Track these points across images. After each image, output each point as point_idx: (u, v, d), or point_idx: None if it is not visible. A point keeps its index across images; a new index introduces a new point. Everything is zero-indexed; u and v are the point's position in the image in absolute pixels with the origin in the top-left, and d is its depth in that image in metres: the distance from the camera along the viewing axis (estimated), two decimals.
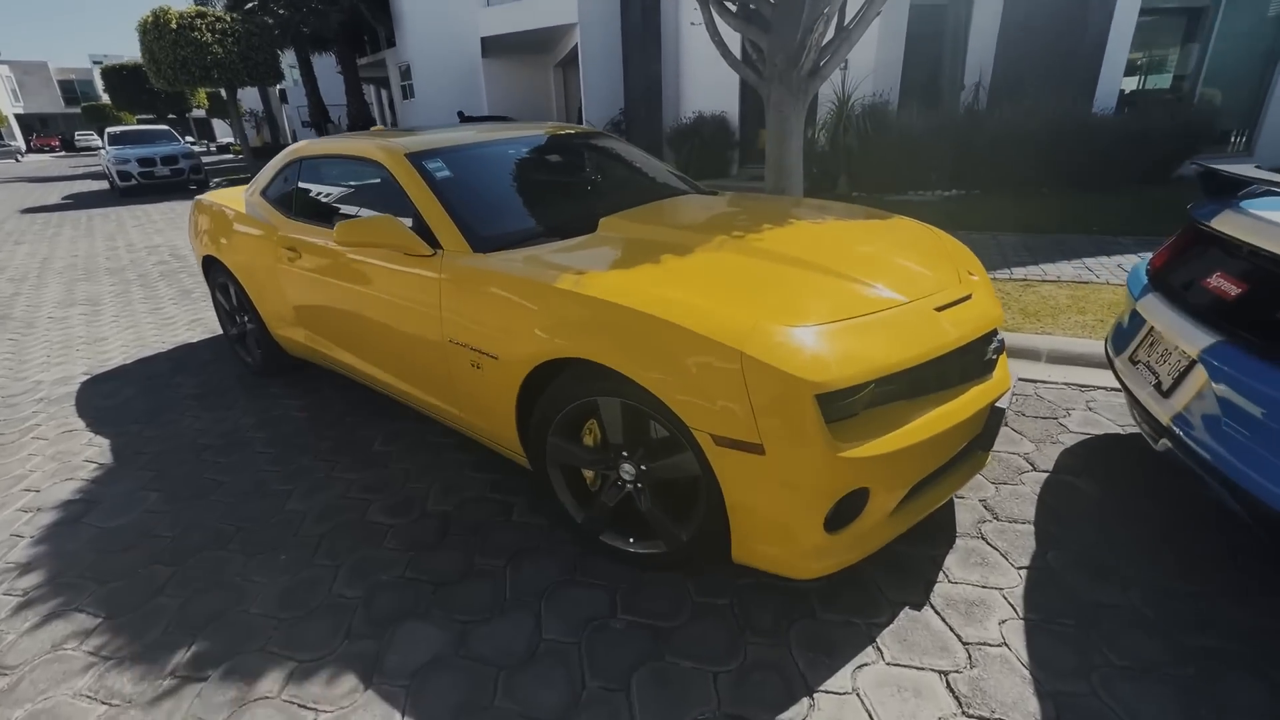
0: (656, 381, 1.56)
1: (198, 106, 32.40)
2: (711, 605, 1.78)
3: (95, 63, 52.60)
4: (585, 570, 1.94)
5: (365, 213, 2.57)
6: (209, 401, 3.29)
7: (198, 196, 3.79)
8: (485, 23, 14.16)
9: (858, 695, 1.50)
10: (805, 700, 1.49)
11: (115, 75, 25.90)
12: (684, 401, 1.54)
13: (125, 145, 14.07)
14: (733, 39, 4.55)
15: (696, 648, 1.65)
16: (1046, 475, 2.30)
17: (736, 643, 1.66)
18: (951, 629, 1.67)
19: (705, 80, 10.75)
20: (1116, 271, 4.23)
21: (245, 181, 14.00)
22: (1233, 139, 8.68)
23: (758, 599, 1.79)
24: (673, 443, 1.68)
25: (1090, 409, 2.73)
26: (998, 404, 1.79)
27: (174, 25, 12.98)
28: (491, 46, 14.95)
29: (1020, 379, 3.00)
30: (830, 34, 4.00)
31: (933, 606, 1.74)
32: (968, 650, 1.60)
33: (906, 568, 1.88)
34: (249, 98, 27.46)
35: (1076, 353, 3.10)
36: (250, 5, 15.45)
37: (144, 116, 29.03)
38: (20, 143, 43.89)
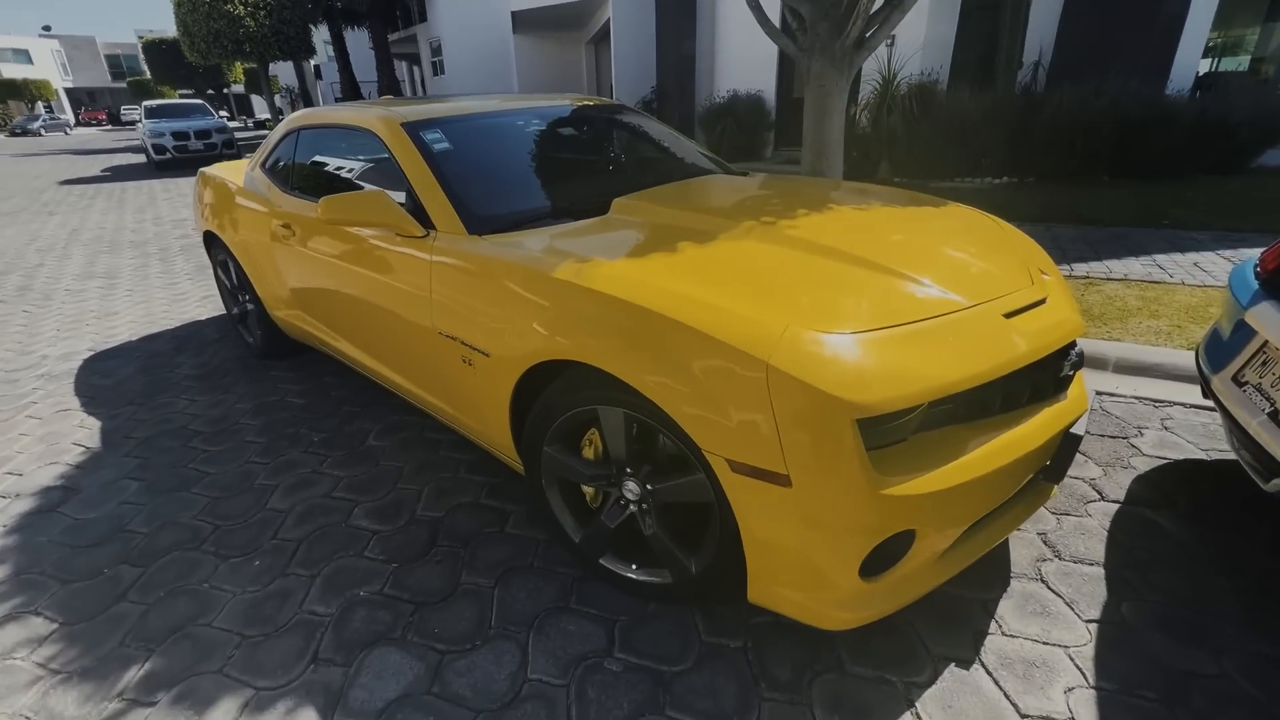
0: (663, 394, 1.32)
1: (235, 81, 32.79)
2: (723, 648, 1.55)
3: (140, 37, 53.80)
4: (582, 597, 1.72)
5: (368, 187, 2.36)
6: (207, 384, 3.16)
7: (202, 169, 3.64)
8: None
9: None
10: None
11: (155, 49, 26.33)
12: (696, 419, 1.29)
13: (161, 119, 14.24)
14: (771, 6, 4.19)
15: (703, 700, 1.42)
16: (1118, 506, 1.99)
17: (749, 697, 1.42)
18: (1006, 695, 1.40)
19: (741, 57, 10.30)
20: (1193, 270, 3.81)
21: None
22: None
23: (776, 644, 1.55)
24: (683, 461, 1.44)
25: (1166, 428, 2.39)
26: (1073, 430, 1.50)
27: None
28: (522, 22, 14.64)
29: None
30: (879, 1, 3.64)
31: (984, 665, 1.48)
32: None
33: (952, 614, 1.62)
34: (284, 73, 27.67)
35: (1150, 362, 2.75)
36: None
37: (184, 91, 29.53)
38: (69, 116, 45.23)
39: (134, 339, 3.83)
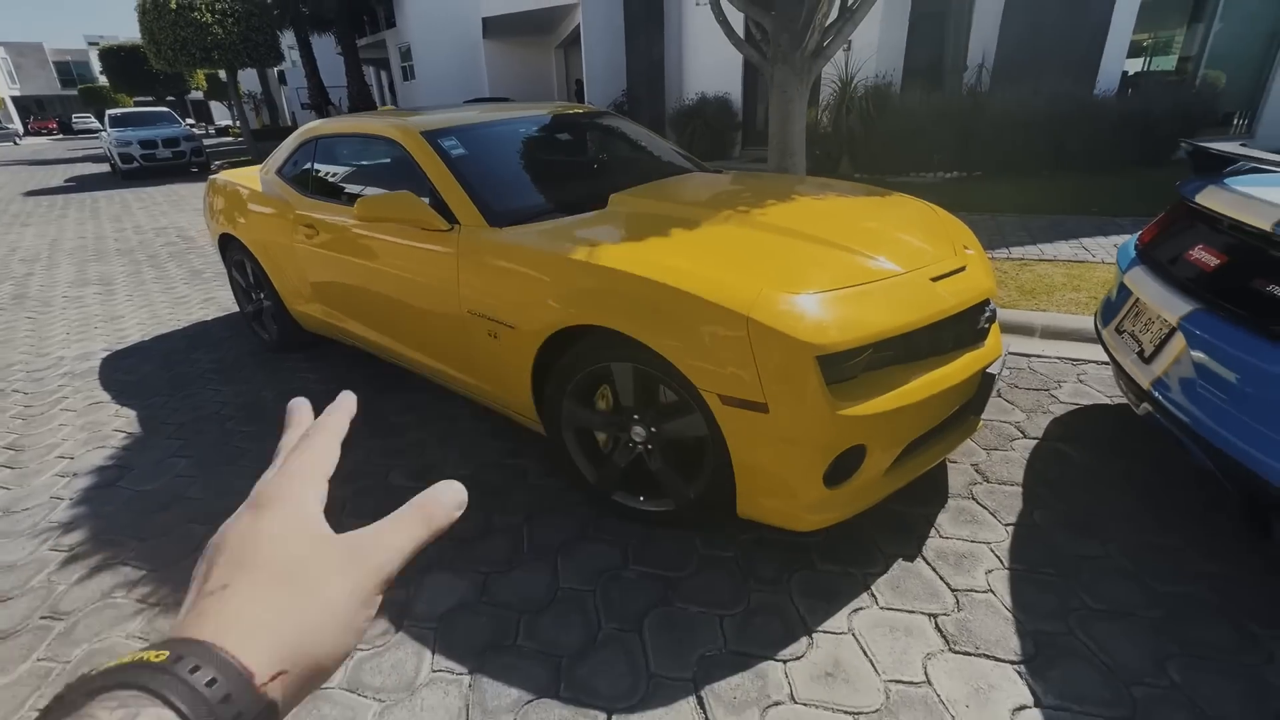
0: (668, 346, 1.67)
1: (196, 88, 32.14)
2: (717, 557, 1.90)
3: (91, 44, 52.07)
4: (598, 528, 2.06)
5: (374, 190, 2.65)
6: (228, 375, 3.40)
7: (212, 176, 3.87)
8: (487, 3, 14.06)
9: (853, 635, 1.62)
10: (805, 639, 1.61)
11: (113, 56, 25.68)
12: (693, 364, 1.64)
13: (127, 127, 14.05)
14: (737, 19, 4.58)
15: (704, 595, 1.77)
16: (1036, 442, 2.41)
17: (741, 590, 1.78)
18: (941, 577, 1.79)
19: (708, 61, 10.71)
20: (1112, 251, 4.31)
21: (246, 163, 13.98)
22: (1235, 121, 8.69)
23: (761, 552, 1.91)
24: (682, 404, 1.79)
25: (1081, 381, 2.83)
26: (989, 370, 1.89)
27: (174, 6, 12.89)
28: (493, 27, 14.85)
29: (1015, 353, 3.10)
30: (834, 14, 4.05)
31: (924, 559, 1.86)
32: (956, 596, 1.72)
33: (902, 525, 2.00)
34: (247, 79, 27.24)
35: (1070, 328, 3.19)
36: None
37: (141, 98, 28.83)
38: (18, 126, 43.61)
39: (146, 339, 4.03)
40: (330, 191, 2.95)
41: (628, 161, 3.14)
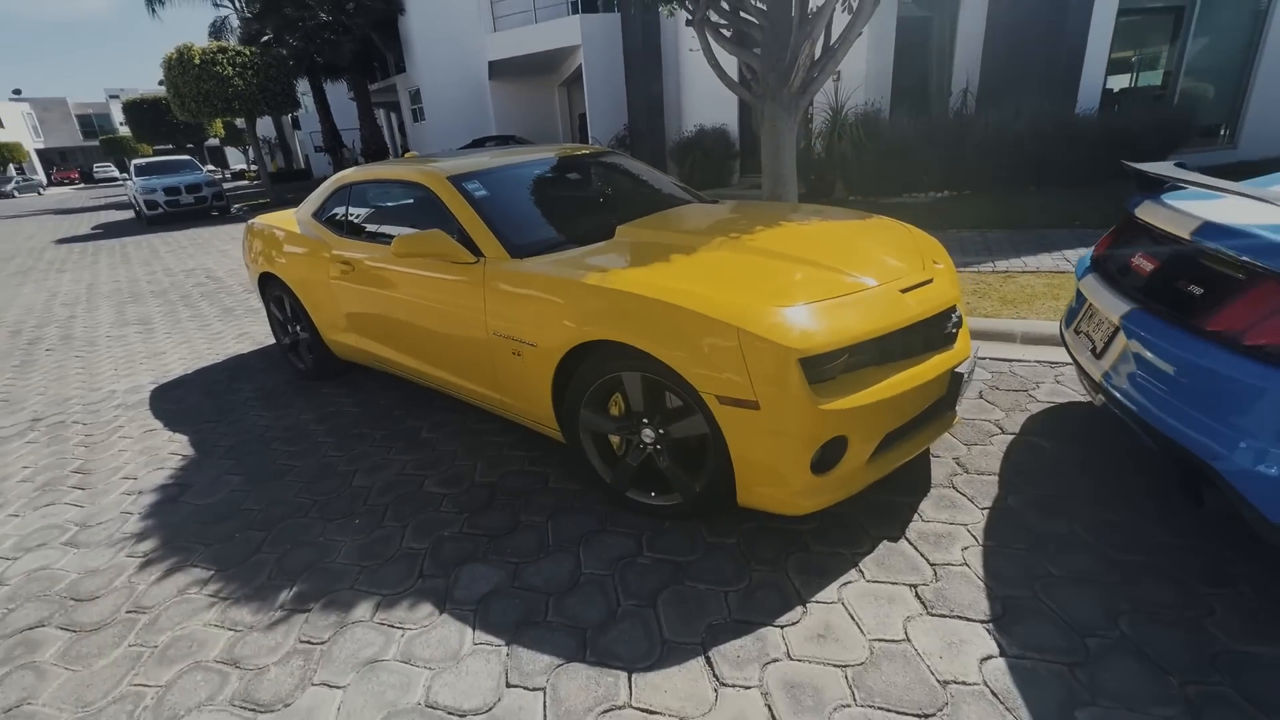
0: (672, 356, 1.93)
1: (213, 136, 33.37)
2: (721, 544, 2.13)
3: (112, 97, 54.23)
4: (615, 522, 2.30)
5: (406, 230, 2.96)
6: (269, 402, 3.69)
7: (250, 221, 4.22)
8: (493, 47, 14.73)
9: (842, 604, 1.83)
10: (799, 608, 1.83)
11: (136, 109, 26.85)
12: (694, 370, 1.90)
13: (151, 175, 14.74)
14: (728, 61, 4.94)
15: (710, 575, 1.99)
16: (1013, 437, 2.63)
17: (743, 570, 2.00)
18: (922, 554, 2.00)
19: (705, 95, 11.18)
20: None
21: (264, 205, 14.55)
22: (1221, 133, 8.97)
23: (761, 539, 2.14)
24: (685, 407, 2.03)
25: (1058, 382, 3.05)
26: (958, 369, 2.13)
27: (197, 61, 13.64)
28: (498, 69, 15.52)
29: (997, 358, 3.33)
30: (818, 52, 4.39)
31: (907, 539, 2.08)
32: (934, 569, 1.93)
33: (887, 512, 2.22)
34: (262, 125, 28.27)
35: (1048, 334, 3.43)
36: (266, 39, 16.14)
37: (161, 147, 30.01)
38: (41, 176, 45.24)
39: (188, 372, 4.34)
40: (363, 232, 3.27)
41: (631, 196, 3.45)
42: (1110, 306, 2.09)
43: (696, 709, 1.55)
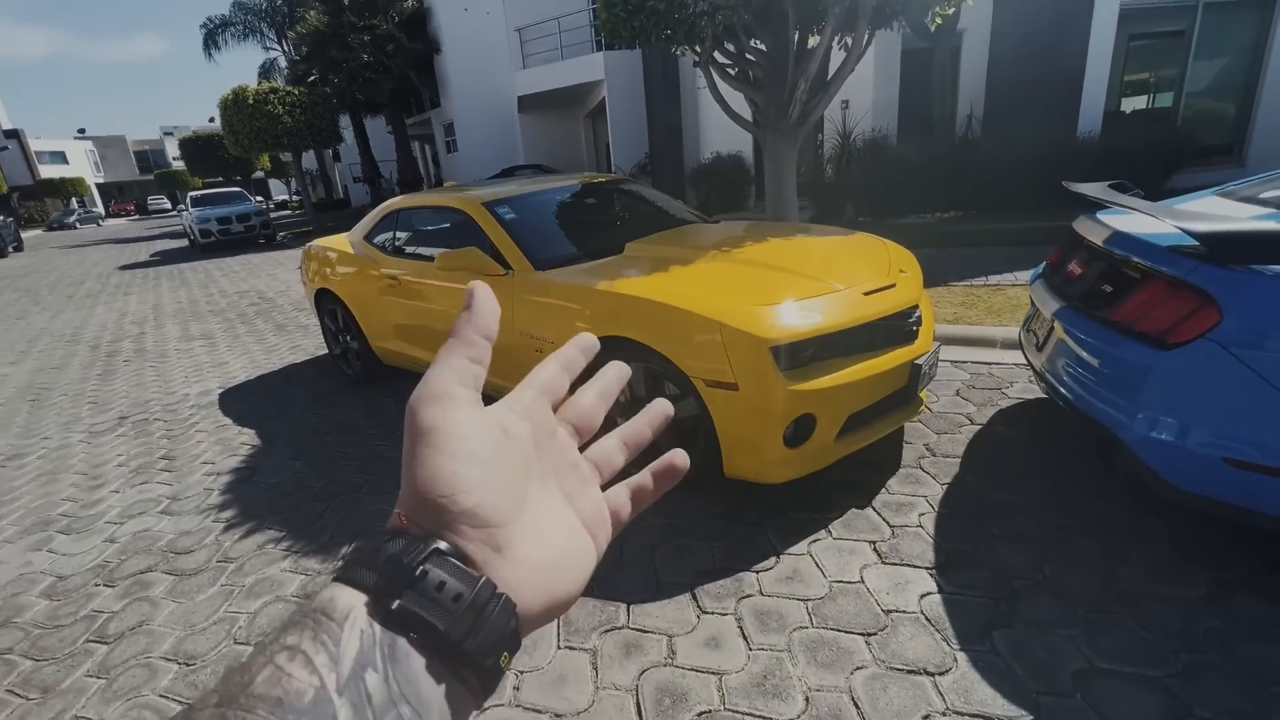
0: (668, 348, 2.31)
1: (260, 169, 35.29)
2: (710, 511, 2.48)
3: (166, 134, 57.69)
4: None
5: (445, 249, 3.42)
6: (323, 402, 4.16)
7: (307, 245, 4.77)
8: (522, 82, 15.58)
9: (810, 555, 2.17)
10: (773, 558, 2.17)
11: (191, 145, 28.68)
12: (686, 360, 2.28)
13: (206, 206, 15.82)
14: (734, 95, 5.40)
15: (698, 533, 2.34)
16: (980, 427, 2.94)
17: (729, 530, 2.35)
18: (884, 519, 2.33)
19: (721, 125, 11.67)
20: None
21: (308, 233, 15.40)
22: (1233, 151, 9.11)
23: (745, 506, 2.48)
24: (680, 394, 2.41)
25: (1030, 382, 3.34)
26: (916, 361, 2.47)
27: (251, 101, 14.76)
28: (527, 103, 16.36)
29: (977, 361, 3.63)
30: (814, 88, 4.81)
31: (873, 507, 2.41)
32: (892, 529, 2.26)
33: (859, 486, 2.55)
34: (305, 158, 29.86)
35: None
36: (312, 79, 17.31)
37: (212, 179, 31.90)
38: (100, 209, 48.14)
39: (251, 378, 4.87)
40: (407, 252, 3.75)
41: (640, 217, 3.88)
42: (1047, 306, 2.42)
43: (681, 629, 1.90)
